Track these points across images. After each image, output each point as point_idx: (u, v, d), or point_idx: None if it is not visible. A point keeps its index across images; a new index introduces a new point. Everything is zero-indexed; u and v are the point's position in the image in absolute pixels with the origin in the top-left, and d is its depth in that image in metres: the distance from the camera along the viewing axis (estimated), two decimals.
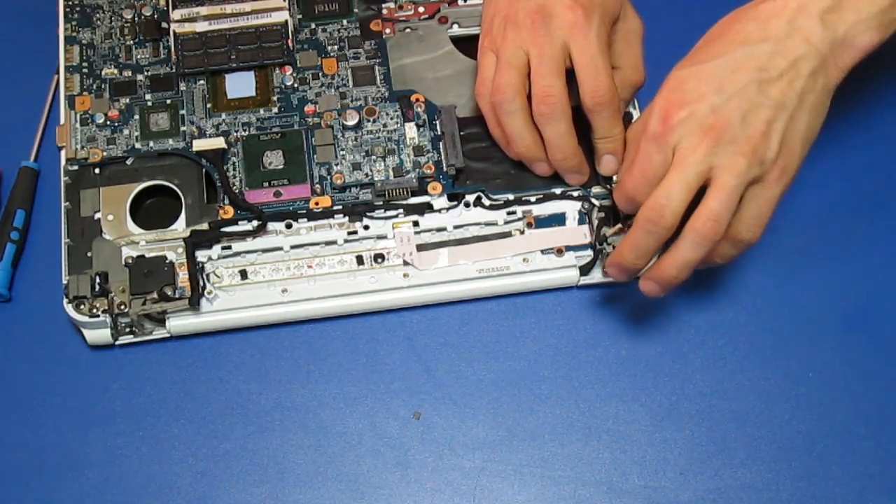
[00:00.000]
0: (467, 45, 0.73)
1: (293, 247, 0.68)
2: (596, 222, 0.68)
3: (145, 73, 0.72)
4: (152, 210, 0.69)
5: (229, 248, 0.67)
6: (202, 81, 0.72)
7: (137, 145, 0.70)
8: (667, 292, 0.63)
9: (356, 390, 0.66)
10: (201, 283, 0.66)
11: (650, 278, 0.63)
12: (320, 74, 0.72)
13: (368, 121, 0.71)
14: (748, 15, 0.61)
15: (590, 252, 0.68)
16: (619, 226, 0.67)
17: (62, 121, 0.70)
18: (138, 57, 0.73)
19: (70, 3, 0.74)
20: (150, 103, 0.71)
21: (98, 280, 0.65)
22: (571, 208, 0.69)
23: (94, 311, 0.65)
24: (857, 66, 0.61)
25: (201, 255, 0.67)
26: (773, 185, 0.60)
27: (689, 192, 0.59)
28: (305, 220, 0.68)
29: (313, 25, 0.74)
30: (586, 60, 0.64)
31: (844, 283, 0.69)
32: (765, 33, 0.60)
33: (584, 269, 0.68)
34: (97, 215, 0.67)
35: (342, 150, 0.70)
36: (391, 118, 0.71)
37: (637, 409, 0.66)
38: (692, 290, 0.69)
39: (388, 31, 0.74)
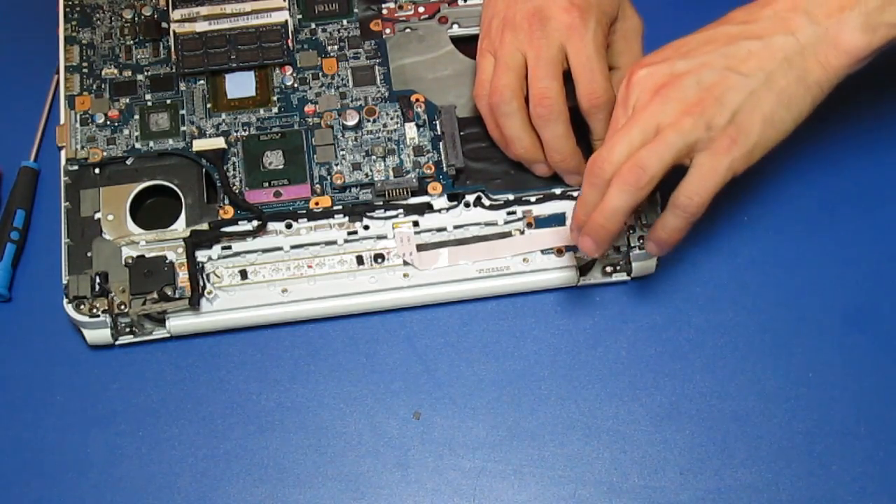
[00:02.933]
0: (467, 45, 0.73)
1: (293, 247, 0.68)
2: None
3: (145, 73, 0.72)
4: (152, 210, 0.69)
5: (229, 248, 0.67)
6: (202, 81, 0.72)
7: (137, 145, 0.70)
8: (602, 248, 0.62)
9: (356, 390, 0.66)
10: (201, 283, 0.66)
11: (585, 232, 0.62)
12: (320, 74, 0.72)
13: (368, 121, 0.71)
14: (744, 7, 0.62)
15: None
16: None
17: (62, 121, 0.70)
18: (138, 57, 0.73)
19: (70, 3, 0.74)
20: (150, 103, 0.71)
21: (98, 280, 0.65)
22: (571, 208, 0.69)
23: (94, 311, 0.65)
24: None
25: (201, 255, 0.67)
26: (720, 155, 0.59)
27: (630, 149, 0.59)
28: (305, 220, 0.68)
29: (313, 25, 0.74)
30: (582, 62, 0.64)
31: (844, 282, 0.69)
32: (748, 17, 0.61)
33: (584, 269, 0.68)
34: (97, 215, 0.67)
35: (342, 150, 0.70)
36: (391, 118, 0.71)
37: (637, 409, 0.66)
38: (692, 290, 0.69)
39: (388, 31, 0.74)
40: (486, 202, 0.68)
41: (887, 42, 0.59)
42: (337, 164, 0.69)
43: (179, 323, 0.66)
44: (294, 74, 0.72)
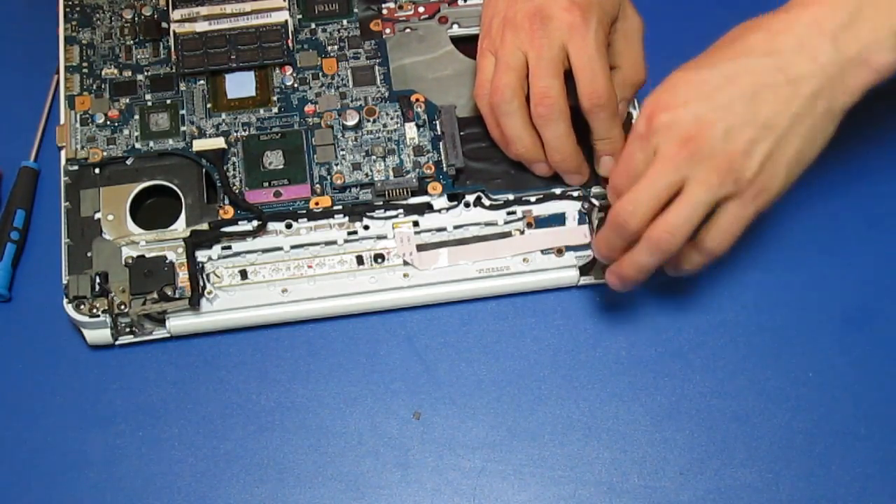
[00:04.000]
0: (467, 45, 0.73)
1: (293, 247, 0.68)
2: (596, 222, 0.68)
3: (145, 73, 0.72)
4: (152, 210, 0.69)
5: (229, 248, 0.67)
6: (202, 81, 0.72)
7: (137, 145, 0.70)
8: (629, 289, 0.64)
9: (356, 390, 0.66)
10: (201, 283, 0.66)
11: (613, 271, 0.63)
12: (320, 74, 0.72)
13: (368, 121, 0.71)
14: (760, 24, 0.59)
15: (590, 252, 0.68)
16: None
17: (62, 121, 0.70)
18: (138, 57, 0.73)
19: (70, 3, 0.74)
20: (150, 103, 0.71)
21: (98, 280, 0.65)
22: (571, 208, 0.69)
23: (94, 311, 0.65)
24: None
25: (201, 255, 0.67)
26: (747, 204, 0.59)
27: (658, 203, 0.59)
28: (305, 220, 0.68)
29: (313, 25, 0.74)
30: (584, 62, 0.64)
31: (844, 282, 0.69)
32: (770, 46, 0.58)
33: (584, 269, 0.68)
34: (97, 215, 0.67)
35: (342, 150, 0.70)
36: (391, 118, 0.71)
37: (637, 409, 0.66)
38: (692, 289, 0.69)
39: (388, 31, 0.74)
40: (486, 202, 0.68)
41: None
42: (337, 164, 0.69)
43: (179, 323, 0.66)
44: (294, 74, 0.72)
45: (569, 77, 0.65)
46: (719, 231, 0.60)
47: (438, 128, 0.70)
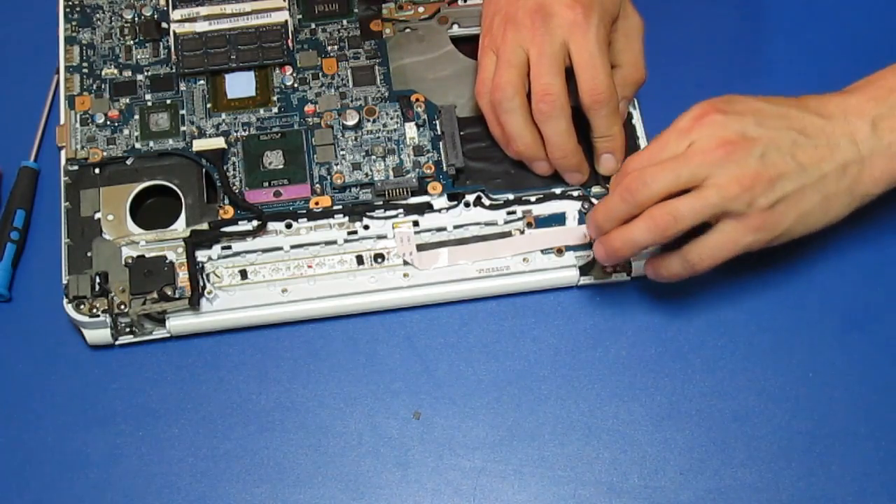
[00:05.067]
0: (467, 45, 0.73)
1: (293, 247, 0.68)
2: None
3: (145, 73, 0.72)
4: (152, 210, 0.69)
5: (229, 248, 0.67)
6: (202, 81, 0.72)
7: (137, 145, 0.70)
8: (612, 262, 0.64)
9: (356, 390, 0.66)
10: (201, 283, 0.66)
11: (602, 241, 0.63)
12: (320, 74, 0.72)
13: (368, 121, 0.71)
14: (818, 95, 0.62)
15: (590, 252, 0.68)
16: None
17: (62, 121, 0.70)
18: (138, 57, 0.73)
19: (70, 3, 0.74)
20: (150, 103, 0.71)
21: (98, 280, 0.65)
22: (571, 208, 0.69)
23: (94, 311, 0.65)
24: None
25: (201, 255, 0.67)
26: (746, 232, 0.60)
27: (674, 186, 0.60)
28: (305, 220, 0.68)
29: (313, 25, 0.74)
30: (585, 59, 0.64)
31: (844, 282, 0.69)
32: (822, 109, 0.61)
33: (584, 269, 0.68)
34: (97, 215, 0.67)
35: (342, 150, 0.70)
36: (391, 118, 0.71)
37: (637, 409, 0.66)
38: (692, 290, 0.69)
39: (388, 31, 0.74)
40: (486, 202, 0.68)
41: None
42: (337, 164, 0.69)
43: (179, 323, 0.66)
44: (294, 74, 0.72)
45: (570, 78, 0.65)
46: (707, 247, 0.61)
47: (438, 128, 0.70)
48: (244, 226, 0.67)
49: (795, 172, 0.60)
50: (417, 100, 0.71)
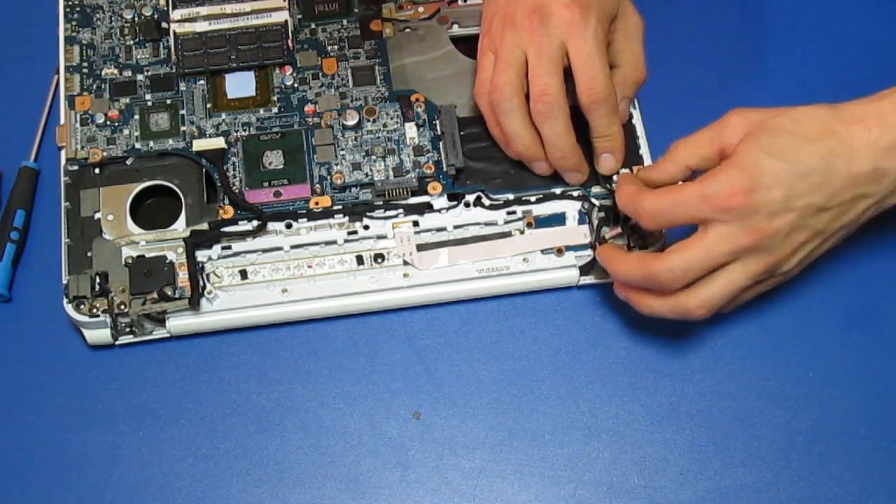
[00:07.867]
0: (467, 45, 0.73)
1: (293, 247, 0.68)
2: (596, 222, 0.68)
3: (145, 73, 0.72)
4: (152, 210, 0.69)
5: (229, 248, 0.67)
6: (202, 81, 0.72)
7: (137, 145, 0.70)
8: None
9: (356, 390, 0.66)
10: (201, 283, 0.66)
11: (626, 293, 0.65)
12: (320, 74, 0.72)
13: (368, 121, 0.71)
14: (844, 127, 0.59)
15: (590, 252, 0.68)
16: (619, 229, 0.67)
17: (62, 121, 0.70)
18: (138, 57, 0.73)
19: (70, 3, 0.74)
20: (150, 103, 0.71)
21: (98, 280, 0.65)
22: (571, 208, 0.69)
23: (94, 311, 0.65)
24: None
25: (201, 255, 0.67)
26: (762, 285, 0.63)
27: (703, 270, 0.60)
28: (305, 220, 0.68)
29: (313, 25, 0.74)
30: (583, 59, 0.64)
31: (844, 282, 0.69)
32: (850, 157, 0.59)
33: (584, 269, 0.68)
34: (97, 215, 0.67)
35: (342, 150, 0.70)
36: (391, 118, 0.71)
37: (637, 409, 0.66)
38: None
39: (388, 30, 0.74)
40: (486, 202, 0.68)
41: None
42: (337, 164, 0.69)
43: (179, 323, 0.66)
44: (294, 74, 0.72)
45: (569, 78, 0.65)
46: (710, 294, 0.61)
47: (438, 128, 0.70)
48: (244, 226, 0.67)
49: (815, 236, 0.60)
50: (417, 100, 0.71)
